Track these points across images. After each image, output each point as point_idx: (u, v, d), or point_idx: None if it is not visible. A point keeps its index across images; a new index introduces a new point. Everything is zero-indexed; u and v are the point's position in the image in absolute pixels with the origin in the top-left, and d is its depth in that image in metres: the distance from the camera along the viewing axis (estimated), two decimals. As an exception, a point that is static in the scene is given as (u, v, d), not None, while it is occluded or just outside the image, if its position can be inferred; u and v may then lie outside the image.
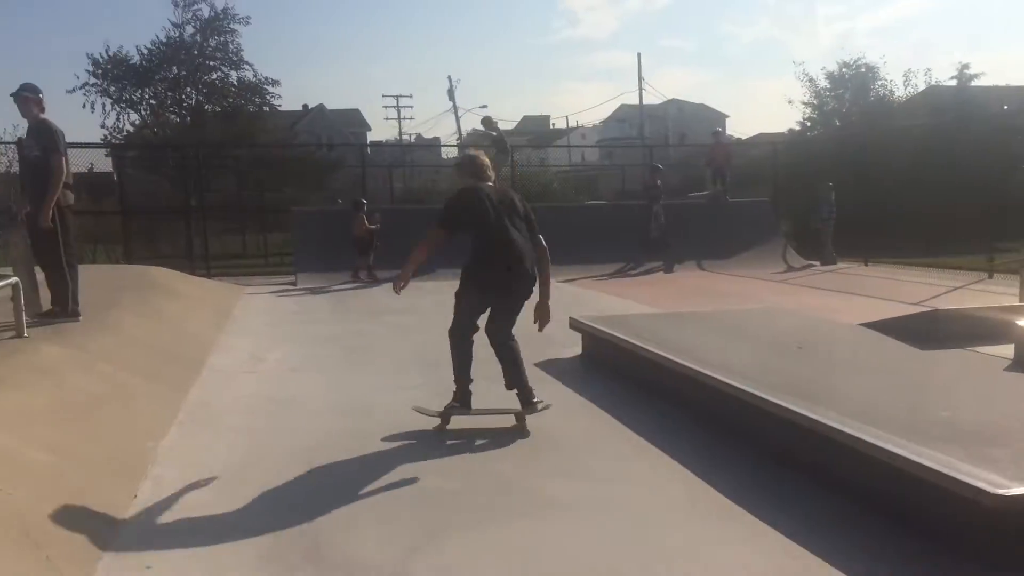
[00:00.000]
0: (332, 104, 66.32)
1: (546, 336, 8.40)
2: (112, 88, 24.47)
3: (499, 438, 4.99)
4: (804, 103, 31.41)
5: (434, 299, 11.24)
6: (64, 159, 6.46)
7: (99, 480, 3.99)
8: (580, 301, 10.97)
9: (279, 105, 26.32)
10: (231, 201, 24.95)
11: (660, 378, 5.76)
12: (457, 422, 5.23)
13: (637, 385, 6.08)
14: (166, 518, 3.75)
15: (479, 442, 4.95)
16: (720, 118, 78.19)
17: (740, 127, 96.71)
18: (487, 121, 15.72)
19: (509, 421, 5.24)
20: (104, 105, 24.82)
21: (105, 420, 4.80)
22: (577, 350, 7.37)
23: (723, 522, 3.75)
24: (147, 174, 24.81)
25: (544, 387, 6.27)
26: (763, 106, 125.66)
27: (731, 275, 14.57)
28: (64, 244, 6.61)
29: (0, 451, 3.77)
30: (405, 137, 64.37)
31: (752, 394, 4.57)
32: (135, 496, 3.94)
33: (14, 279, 5.77)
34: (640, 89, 46.79)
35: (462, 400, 5.31)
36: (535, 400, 5.25)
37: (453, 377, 5.35)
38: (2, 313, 6.28)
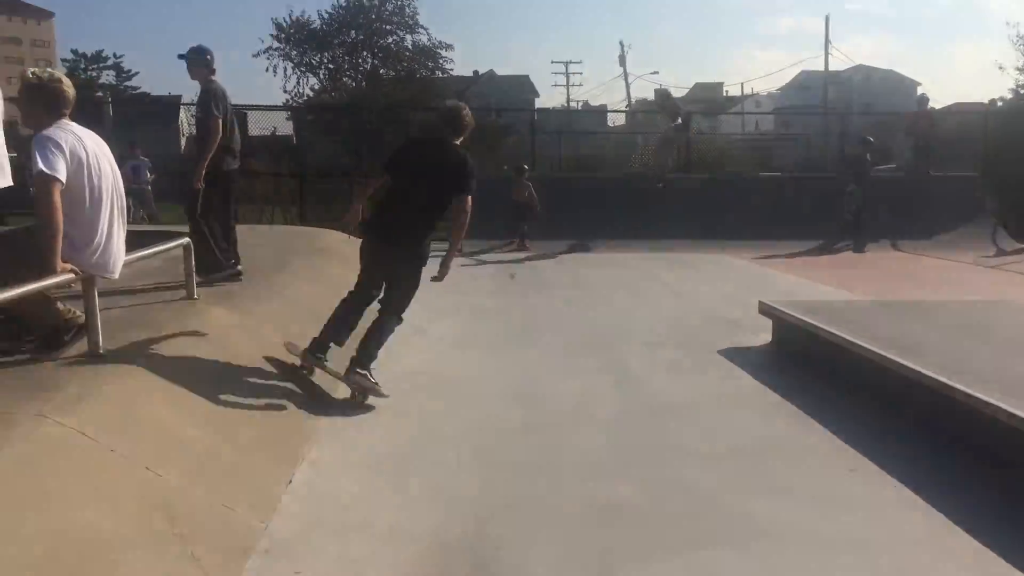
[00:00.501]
0: (502, 71, 66.30)
1: (732, 320, 7.76)
2: (293, 52, 25.36)
3: (682, 439, 4.37)
4: (1019, 69, 28.15)
5: (603, 273, 10.72)
6: (218, 121, 6.23)
7: (253, 461, 3.70)
8: (763, 282, 10.06)
9: (452, 70, 26.42)
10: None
11: (873, 378, 4.93)
12: (636, 424, 4.67)
13: (842, 383, 5.27)
14: (320, 512, 3.40)
15: (658, 441, 4.34)
16: (911, 85, 72.53)
17: (933, 96, 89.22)
18: (662, 96, 14.86)
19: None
20: (285, 69, 25.87)
21: (266, 393, 4.56)
22: (766, 337, 6.59)
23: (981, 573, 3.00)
24: (324, 137, 25.45)
25: (732, 379, 5.60)
26: (960, 74, 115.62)
27: (933, 257, 13.10)
28: (212, 208, 6.46)
29: (158, 425, 3.54)
30: (572, 104, 63.53)
31: (1008, 412, 3.72)
32: (289, 482, 3.63)
33: (185, 240, 5.66)
34: (826, 53, 43.91)
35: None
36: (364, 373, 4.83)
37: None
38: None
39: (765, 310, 6.60)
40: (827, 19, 46.03)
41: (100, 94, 47.83)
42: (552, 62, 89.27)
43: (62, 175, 3.77)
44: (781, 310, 6.35)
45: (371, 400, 4.88)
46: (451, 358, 6.12)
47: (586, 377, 5.59)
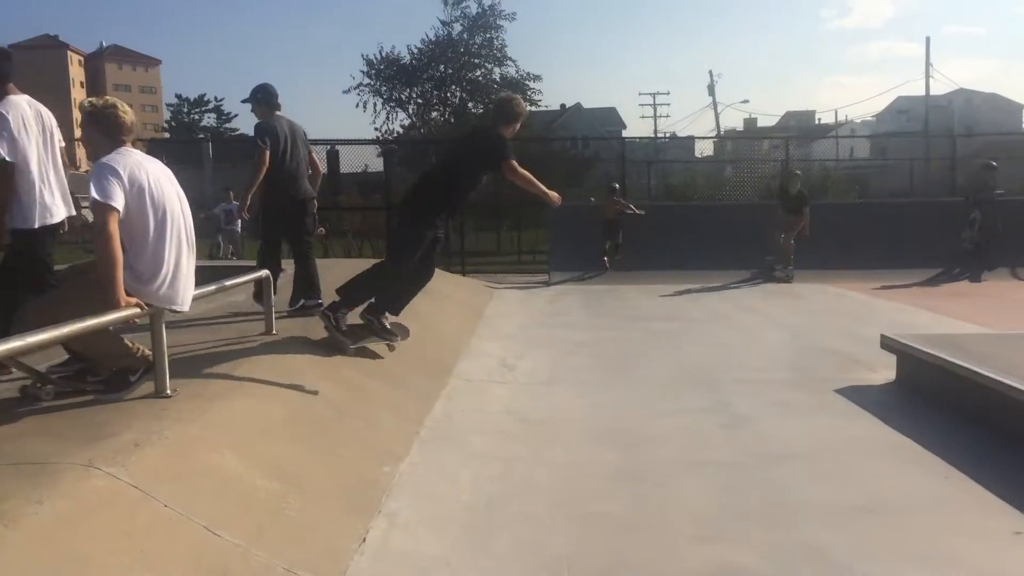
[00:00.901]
0: (588, 103, 66.22)
1: (846, 355, 7.11)
2: (383, 88, 25.72)
3: (806, 493, 3.82)
4: None
5: (700, 303, 10.14)
6: (264, 153, 6.21)
7: (325, 515, 3.35)
8: (874, 313, 9.32)
9: (540, 100, 26.30)
10: (487, 199, 25.19)
11: (1027, 424, 4.28)
12: (750, 474, 4.15)
13: (986, 428, 4.61)
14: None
15: (778, 495, 3.80)
16: (1016, 108, 69.12)
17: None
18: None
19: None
20: (375, 105, 26.25)
21: (342, 436, 4.22)
22: (888, 375, 5.95)
23: None
24: (412, 171, 25.64)
25: (855, 422, 4.99)
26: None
27: None
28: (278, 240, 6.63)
29: (221, 476, 3.23)
30: (660, 135, 62.77)
31: None
32: (364, 539, 3.25)
33: (263, 272, 5.45)
34: (927, 75, 42.23)
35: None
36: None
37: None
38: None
39: (888, 344, 5.97)
40: (928, 40, 44.38)
41: (201, 136, 49.69)
42: (639, 94, 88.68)
43: (119, 203, 3.54)
44: (909, 344, 5.71)
45: (454, 442, 4.51)
46: (540, 396, 5.70)
47: (688, 418, 5.08)
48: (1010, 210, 14.40)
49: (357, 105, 26.55)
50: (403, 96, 26.23)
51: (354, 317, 5.79)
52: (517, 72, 26.02)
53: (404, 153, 26.10)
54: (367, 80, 25.64)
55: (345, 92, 26.36)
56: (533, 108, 26.51)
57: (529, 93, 26.10)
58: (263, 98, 6.51)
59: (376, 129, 26.27)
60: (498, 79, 26.17)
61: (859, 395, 5.55)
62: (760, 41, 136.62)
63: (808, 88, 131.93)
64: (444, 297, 9.41)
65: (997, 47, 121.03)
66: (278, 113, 6.51)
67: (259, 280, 5.58)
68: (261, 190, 6.29)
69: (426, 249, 5.71)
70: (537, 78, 26.11)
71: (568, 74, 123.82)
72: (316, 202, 6.75)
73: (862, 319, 8.84)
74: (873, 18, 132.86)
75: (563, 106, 62.09)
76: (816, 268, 12.78)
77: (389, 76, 25.83)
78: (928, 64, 42.26)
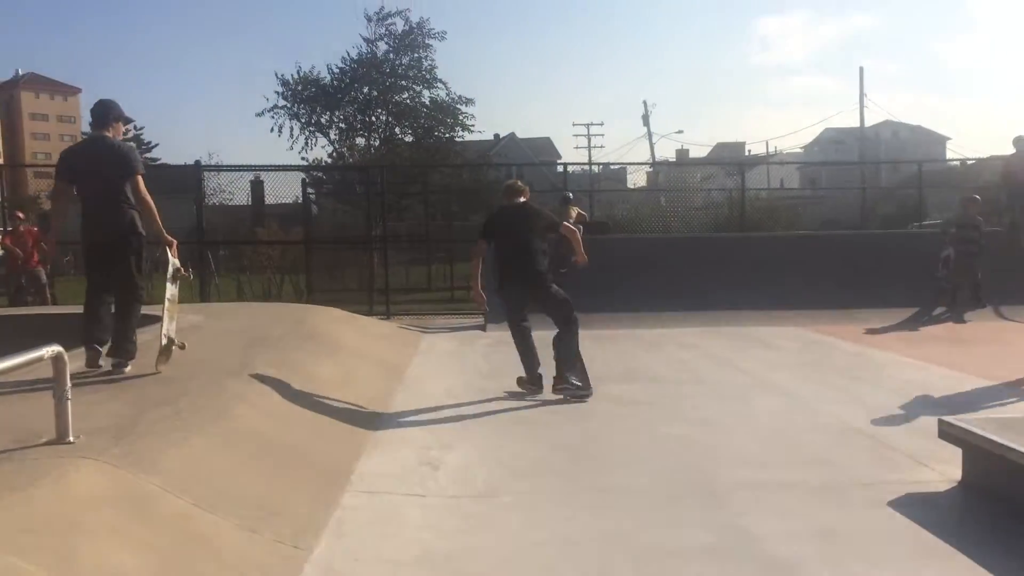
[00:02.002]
0: (523, 133, 65.28)
1: (875, 436, 5.22)
2: (301, 111, 23.58)
3: None
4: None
5: (664, 357, 8.48)
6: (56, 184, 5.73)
7: None
8: (875, 368, 7.82)
9: (472, 126, 24.42)
10: (417, 230, 23.45)
11: None
12: None
13: None
14: None
15: None
16: (940, 140, 70.48)
17: (965, 150, 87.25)
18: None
19: None
20: (292, 129, 24.03)
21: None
22: (948, 470, 4.37)
23: None
24: (333, 202, 23.77)
25: (940, 564, 3.34)
26: (990, 127, 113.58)
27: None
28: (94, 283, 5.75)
29: None
30: (596, 165, 62.11)
31: None
32: None
33: (49, 350, 3.57)
34: (861, 106, 42.29)
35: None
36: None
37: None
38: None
39: (948, 432, 4.38)
40: (861, 71, 44.53)
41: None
42: (573, 124, 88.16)
43: None
44: (980, 435, 4.12)
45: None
46: (476, 526, 3.89)
47: (694, 563, 3.37)
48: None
49: (272, 129, 24.44)
50: (323, 120, 24.15)
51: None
52: (448, 95, 24.15)
53: (332, 182, 24.20)
54: (282, 102, 23.63)
55: (258, 115, 24.16)
56: (466, 135, 24.88)
57: (461, 118, 24.36)
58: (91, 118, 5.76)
59: (302, 157, 24.17)
60: (427, 102, 24.35)
61: (926, 510, 3.93)
62: (690, 73, 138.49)
63: (734, 121, 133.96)
64: (354, 354, 7.59)
65: (912, 83, 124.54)
66: (97, 134, 5.66)
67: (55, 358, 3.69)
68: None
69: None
70: (469, 102, 24.31)
71: (502, 104, 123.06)
72: (138, 239, 5.62)
73: (864, 378, 7.32)
74: (792, 55, 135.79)
75: (497, 136, 60.98)
76: (773, 308, 11.38)
77: (308, 98, 23.73)
78: (862, 94, 42.23)
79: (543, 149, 67.85)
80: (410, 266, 22.32)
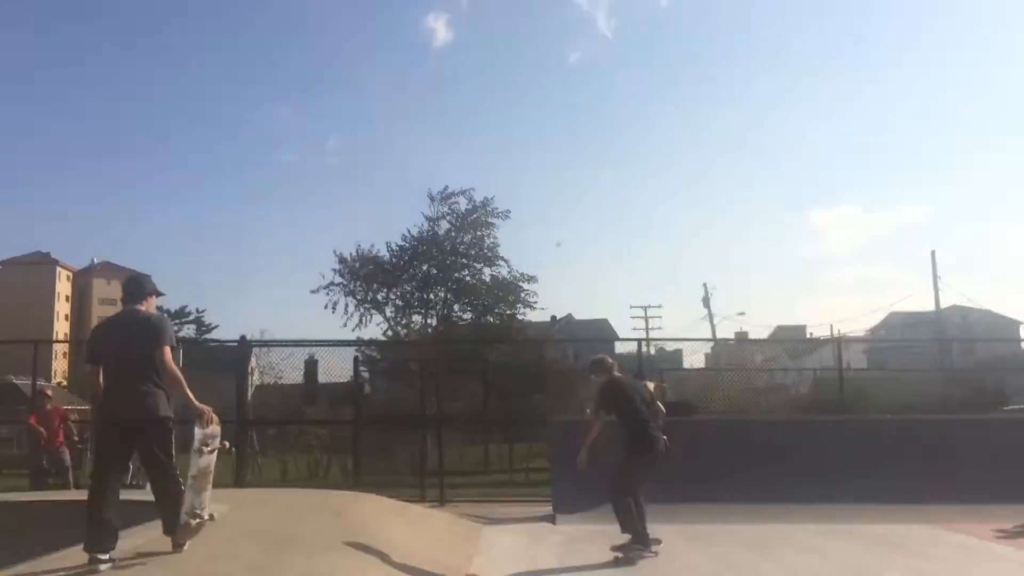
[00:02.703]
0: (579, 315, 64.79)
1: None
2: (358, 287, 22.94)
3: None
4: None
5: (781, 563, 6.79)
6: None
7: None
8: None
9: (535, 303, 23.50)
10: (474, 409, 22.22)
11: None
12: None
13: None
14: None
15: None
16: (1014, 325, 67.95)
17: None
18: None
19: None
20: (347, 306, 23.29)
21: None
22: None
23: None
24: (387, 380, 22.77)
25: None
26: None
27: None
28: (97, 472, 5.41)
29: None
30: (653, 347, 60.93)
31: None
32: None
33: None
34: (936, 288, 40.86)
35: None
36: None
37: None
38: None
39: None
40: (933, 254, 43.29)
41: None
42: (631, 306, 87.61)
43: None
44: None
45: None
46: None
47: None
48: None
49: (326, 307, 23.88)
50: (379, 297, 23.51)
51: None
52: (510, 273, 23.43)
53: (386, 360, 23.34)
54: (339, 279, 23.08)
55: (313, 292, 23.63)
56: (529, 311, 23.94)
57: (523, 295, 23.55)
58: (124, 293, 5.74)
59: (357, 337, 23.46)
60: (488, 280, 23.60)
61: None
62: (748, 259, 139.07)
63: (789, 307, 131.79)
64: (395, 562, 6.16)
65: (973, 268, 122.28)
66: (130, 307, 5.56)
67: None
68: None
69: None
70: (532, 279, 23.55)
71: (560, 285, 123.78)
72: (163, 423, 5.31)
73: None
74: (845, 246, 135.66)
75: (554, 317, 60.56)
76: (888, 501, 9.72)
77: (365, 275, 23.19)
78: (936, 276, 40.91)
79: (600, 330, 67.22)
80: (465, 447, 20.92)
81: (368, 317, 22.87)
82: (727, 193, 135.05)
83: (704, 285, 53.43)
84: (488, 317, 22.91)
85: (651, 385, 11.62)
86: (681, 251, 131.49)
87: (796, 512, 9.57)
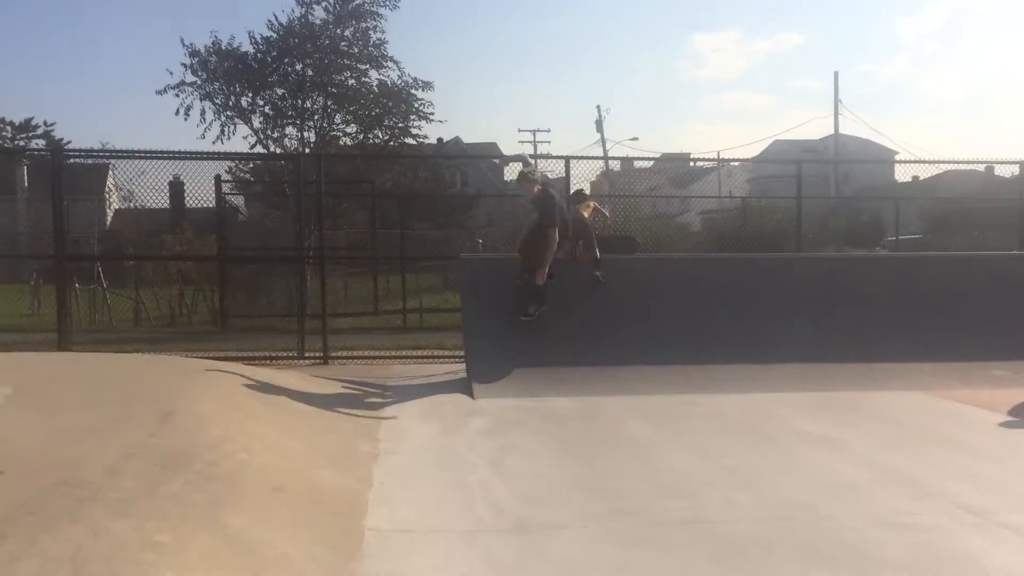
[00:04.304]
0: (468, 138, 61.43)
1: None
2: (217, 90, 19.08)
3: None
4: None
5: (789, 459, 5.13)
6: None
7: None
8: None
9: (432, 114, 20.18)
10: (361, 239, 19.83)
11: None
12: None
13: None
14: None
15: None
16: (889, 154, 69.29)
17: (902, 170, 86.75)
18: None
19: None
20: (203, 112, 19.51)
21: None
22: None
23: None
24: (267, 207, 19.91)
25: None
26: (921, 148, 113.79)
27: None
28: None
29: None
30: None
31: None
32: None
33: None
34: (836, 113, 39.87)
35: None
36: None
37: None
38: None
39: None
40: (836, 75, 42.18)
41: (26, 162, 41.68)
42: (519, 130, 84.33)
43: None
44: None
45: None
46: None
47: None
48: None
49: (177, 112, 19.94)
50: (244, 103, 19.69)
51: None
52: (400, 77, 19.96)
53: (257, 181, 20.22)
54: (192, 77, 19.07)
55: (159, 93, 19.59)
56: (425, 124, 20.68)
57: (417, 104, 20.27)
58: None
59: (205, 142, 19.68)
60: (375, 86, 20.14)
61: None
62: (635, 84, 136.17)
63: (671, 134, 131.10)
64: (272, 493, 3.94)
65: (831, 99, 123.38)
66: None
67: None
68: None
69: None
70: (427, 85, 20.17)
71: (444, 107, 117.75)
72: None
73: None
74: (726, 70, 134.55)
75: (441, 140, 57.26)
76: (865, 359, 8.21)
77: (225, 74, 19.24)
78: (837, 100, 39.86)
79: (489, 154, 64.43)
80: (349, 279, 18.65)
81: (231, 128, 19.32)
82: (614, 10, 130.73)
83: (598, 107, 50.80)
84: (376, 131, 19.86)
85: (587, 210, 9.45)
86: (572, 74, 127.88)
87: (758, 376, 7.89)
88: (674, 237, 20.85)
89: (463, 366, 8.43)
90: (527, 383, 7.60)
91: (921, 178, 24.77)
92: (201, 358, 8.18)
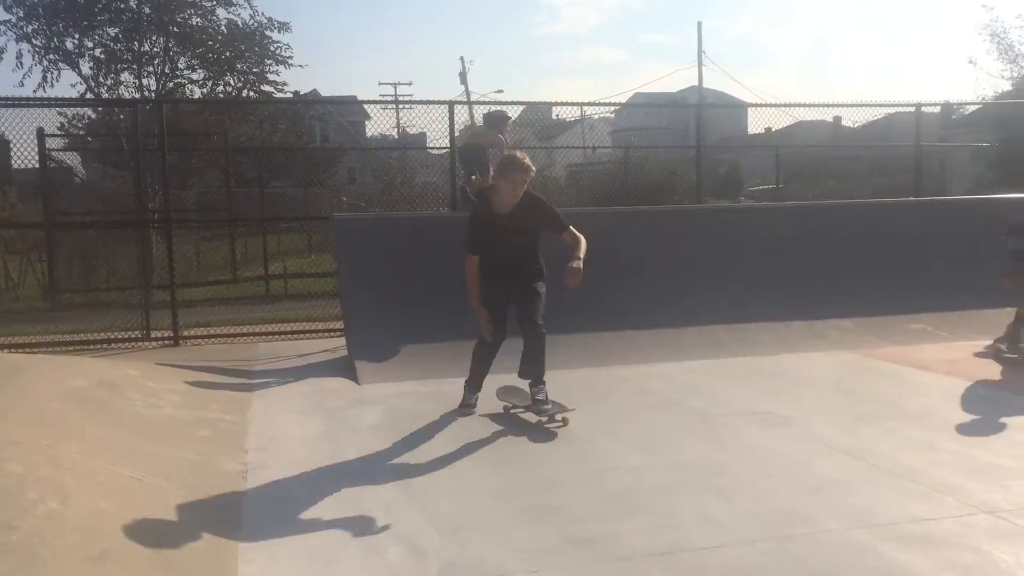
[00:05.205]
0: (326, 91, 58.54)
1: None
2: (37, 30, 16.29)
3: None
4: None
5: (732, 444, 4.22)
6: None
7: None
8: None
9: (290, 58, 17.99)
10: (213, 200, 18.02)
11: None
12: None
13: None
14: None
15: None
16: (742, 107, 71.47)
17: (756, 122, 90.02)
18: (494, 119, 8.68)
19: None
20: (20, 55, 16.77)
21: None
22: None
23: None
24: (100, 166, 17.63)
25: None
26: (775, 99, 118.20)
27: None
28: None
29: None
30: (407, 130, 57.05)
31: None
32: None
33: None
34: (700, 63, 40.04)
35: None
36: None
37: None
38: None
39: None
40: (699, 25, 42.33)
41: None
42: (380, 83, 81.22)
43: None
44: None
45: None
46: None
47: None
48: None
49: (-8, 54, 17.14)
50: (70, 45, 16.96)
51: None
52: (253, 18, 17.72)
53: (90, 135, 17.86)
54: (5, 15, 16.33)
55: None
56: (283, 69, 18.55)
57: (274, 48, 18.12)
58: None
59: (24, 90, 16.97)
60: (224, 27, 17.85)
61: None
62: (495, 38, 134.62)
63: (531, 89, 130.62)
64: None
65: (688, 57, 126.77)
66: None
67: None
68: None
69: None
70: (284, 27, 17.98)
71: (303, 58, 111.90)
72: None
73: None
74: (581, 24, 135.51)
75: (297, 93, 54.13)
76: (771, 316, 7.64)
77: (47, 9, 16.40)
78: (700, 53, 40.05)
79: (348, 108, 61.83)
80: (202, 244, 16.80)
81: (55, 74, 16.70)
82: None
83: (461, 59, 49.21)
84: (228, 78, 17.76)
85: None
86: (433, 26, 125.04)
87: (678, 341, 7.15)
88: (549, 192, 20.15)
89: (343, 341, 7.29)
90: (422, 362, 6.54)
91: (774, 129, 25.00)
92: (13, 351, 6.65)
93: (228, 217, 15.41)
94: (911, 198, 10.36)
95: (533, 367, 4.94)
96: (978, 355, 6.78)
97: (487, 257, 5.00)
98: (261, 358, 7.37)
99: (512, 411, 5.23)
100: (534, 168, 5.05)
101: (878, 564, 3.03)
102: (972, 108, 22.31)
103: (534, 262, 5.12)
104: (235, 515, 3.53)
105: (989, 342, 6.98)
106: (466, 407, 5.20)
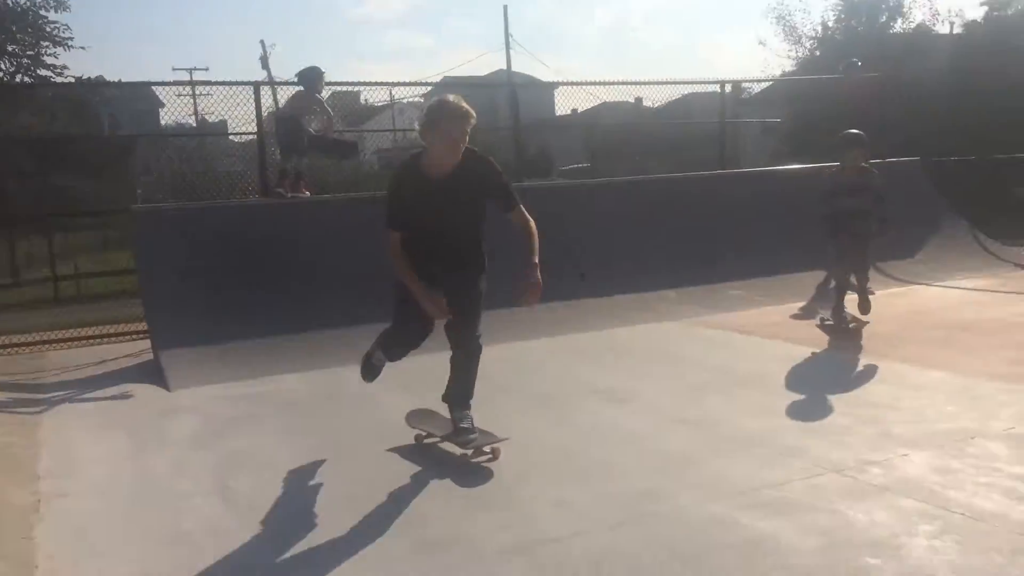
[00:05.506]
0: (112, 77, 54.21)
1: None
2: None
3: None
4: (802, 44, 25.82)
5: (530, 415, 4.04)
6: None
7: None
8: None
9: (69, 39, 16.21)
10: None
11: None
12: None
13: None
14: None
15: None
16: (550, 86, 73.27)
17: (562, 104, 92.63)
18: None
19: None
20: None
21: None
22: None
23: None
24: None
25: None
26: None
27: (942, 287, 8.40)
28: None
29: None
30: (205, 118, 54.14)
31: None
32: None
33: None
34: (507, 47, 40.34)
35: None
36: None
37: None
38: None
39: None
40: (505, 9, 42.65)
41: None
42: (173, 69, 76.09)
43: None
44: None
45: None
46: None
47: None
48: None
49: None
50: None
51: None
52: None
53: None
54: None
55: None
56: (63, 51, 16.71)
57: (49, 29, 16.27)
58: None
59: None
60: None
61: None
62: (299, 21, 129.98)
63: (335, 73, 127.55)
64: None
65: (494, 43, 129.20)
66: None
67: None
68: None
69: None
70: (61, 5, 16.23)
71: (91, 40, 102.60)
72: None
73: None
74: (387, 9, 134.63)
75: (79, 79, 49.87)
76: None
77: None
78: (508, 35, 40.41)
79: (140, 95, 57.69)
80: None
81: None
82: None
83: (262, 43, 46.86)
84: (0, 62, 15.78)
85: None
86: (232, 8, 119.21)
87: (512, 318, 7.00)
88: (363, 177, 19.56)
89: (148, 345, 6.58)
90: (240, 360, 5.99)
91: (580, 110, 25.60)
92: None
93: (7, 215, 13.77)
94: (721, 170, 10.74)
95: (462, 387, 3.95)
96: (794, 317, 7.08)
97: (414, 241, 3.73)
98: (53, 368, 6.52)
99: (426, 440, 4.21)
100: (473, 113, 3.66)
101: (745, 536, 2.95)
102: (762, 86, 23.86)
103: (476, 251, 3.90)
104: (29, 555, 2.97)
105: (803, 303, 7.32)
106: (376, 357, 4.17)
